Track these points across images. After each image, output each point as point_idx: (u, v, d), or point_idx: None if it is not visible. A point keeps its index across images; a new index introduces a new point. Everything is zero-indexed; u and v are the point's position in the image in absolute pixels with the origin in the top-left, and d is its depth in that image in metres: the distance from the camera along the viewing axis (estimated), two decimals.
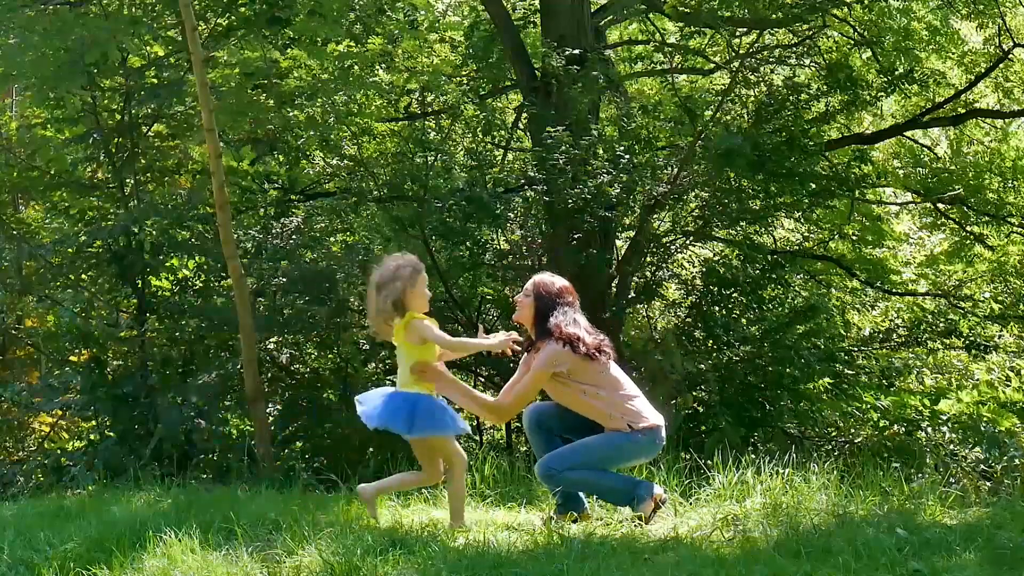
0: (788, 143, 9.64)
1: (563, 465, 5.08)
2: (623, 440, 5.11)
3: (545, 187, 9.31)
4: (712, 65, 11.71)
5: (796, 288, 11.04)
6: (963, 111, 12.33)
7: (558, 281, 5.33)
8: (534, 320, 5.26)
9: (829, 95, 10.53)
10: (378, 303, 4.91)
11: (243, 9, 9.21)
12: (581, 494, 5.27)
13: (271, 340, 9.54)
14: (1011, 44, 12.09)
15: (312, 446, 9.18)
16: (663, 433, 5.20)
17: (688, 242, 10.26)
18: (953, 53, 12.61)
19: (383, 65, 10.44)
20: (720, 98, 10.10)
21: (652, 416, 5.18)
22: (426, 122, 11.12)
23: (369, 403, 5.01)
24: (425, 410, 4.90)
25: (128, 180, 9.10)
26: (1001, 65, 12.28)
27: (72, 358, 9.79)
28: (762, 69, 10.31)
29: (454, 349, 5.15)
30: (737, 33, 10.90)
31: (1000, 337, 11.79)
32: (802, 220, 10.98)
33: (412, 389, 4.94)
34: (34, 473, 8.45)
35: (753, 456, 5.61)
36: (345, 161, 10.93)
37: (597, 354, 5.15)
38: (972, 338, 11.24)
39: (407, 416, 4.86)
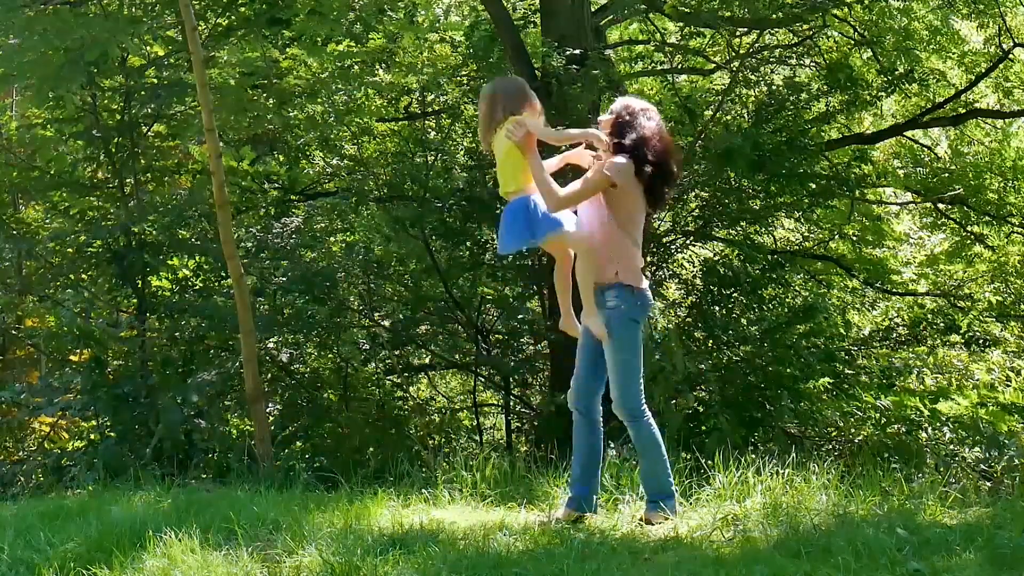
0: (788, 143, 9.64)
1: (638, 401, 4.99)
2: (622, 318, 4.99)
3: None
4: (712, 65, 11.71)
5: (796, 288, 11.05)
6: (963, 111, 12.32)
7: (642, 104, 5.29)
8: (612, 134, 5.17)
9: (829, 95, 10.53)
10: (490, 111, 5.07)
11: (243, 9, 9.22)
12: (596, 497, 5.23)
13: (271, 340, 9.55)
14: (1011, 44, 12.09)
15: (312, 446, 9.18)
16: (648, 294, 5.15)
17: (688, 242, 10.26)
18: (953, 53, 12.60)
19: (383, 64, 10.45)
20: (720, 98, 10.09)
21: (643, 280, 5.13)
22: (426, 122, 11.13)
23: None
24: (539, 211, 4.98)
25: (128, 180, 9.10)
26: (1001, 65, 12.27)
27: (72, 358, 9.79)
28: (762, 69, 10.31)
29: (559, 140, 5.16)
30: (737, 33, 10.90)
31: (1001, 335, 11.78)
32: (802, 220, 10.98)
33: (512, 191, 5.05)
34: (34, 473, 8.44)
35: (753, 456, 5.60)
36: (345, 161, 10.94)
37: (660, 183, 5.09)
38: (972, 334, 11.24)
39: (525, 224, 4.98)
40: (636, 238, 5.11)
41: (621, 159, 5.05)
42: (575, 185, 5.08)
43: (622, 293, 5.02)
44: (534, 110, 5.08)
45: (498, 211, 9.53)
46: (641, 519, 5.04)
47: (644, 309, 5.11)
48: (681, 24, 11.19)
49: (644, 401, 5.05)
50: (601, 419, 5.21)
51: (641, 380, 5.05)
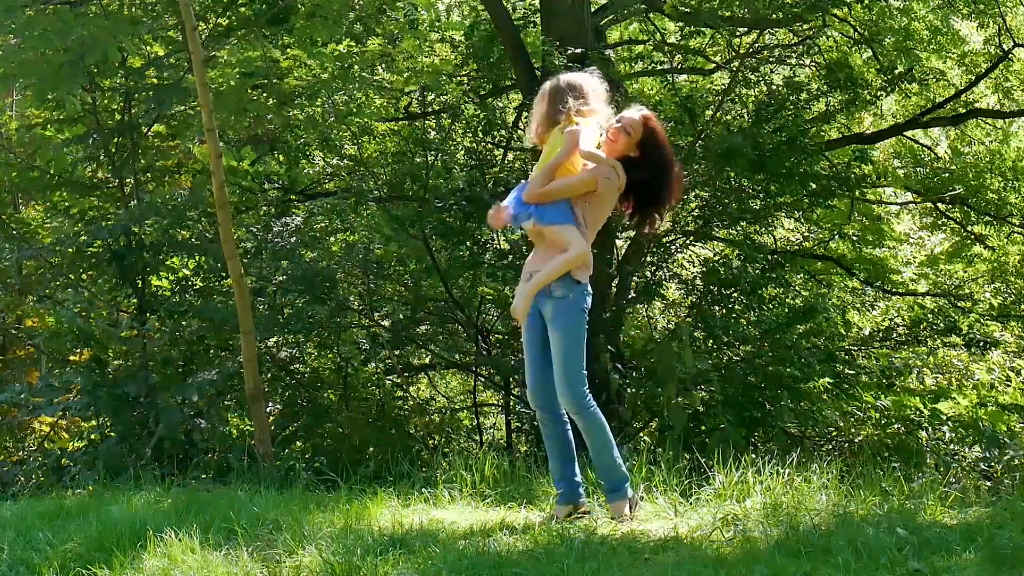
0: (788, 143, 9.65)
1: (583, 390, 5.00)
2: (572, 308, 5.00)
3: None
4: (712, 65, 11.72)
5: (796, 288, 11.05)
6: (963, 111, 12.33)
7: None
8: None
9: (829, 95, 10.54)
10: (547, 110, 5.09)
11: (243, 9, 9.22)
12: (581, 489, 5.23)
13: (271, 339, 9.55)
14: (1011, 44, 12.10)
15: (312, 446, 9.19)
16: (589, 286, 5.18)
17: (688, 242, 10.26)
18: (953, 53, 12.62)
19: (383, 65, 10.45)
20: (720, 98, 10.10)
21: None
22: (426, 122, 11.13)
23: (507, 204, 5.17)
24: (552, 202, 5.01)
25: (128, 180, 9.11)
26: (1001, 65, 12.28)
27: (72, 358, 9.79)
28: (762, 69, 10.32)
29: (587, 158, 5.07)
30: (737, 33, 10.91)
31: (1001, 335, 11.79)
32: (802, 220, 10.99)
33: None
34: (34, 473, 8.44)
35: (753, 456, 5.61)
36: (345, 161, 10.94)
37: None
38: (972, 335, 11.25)
39: (536, 207, 5.01)
40: (592, 238, 5.16)
41: (612, 173, 5.05)
42: (565, 180, 5.06)
43: (569, 283, 5.04)
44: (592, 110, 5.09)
45: None
46: (611, 515, 5.04)
47: (589, 297, 5.13)
48: (681, 24, 11.20)
49: (588, 391, 5.05)
50: (563, 411, 5.17)
51: (584, 370, 5.05)
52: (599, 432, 5.07)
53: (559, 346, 5.01)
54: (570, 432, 5.22)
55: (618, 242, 10.32)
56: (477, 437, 10.76)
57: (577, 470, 5.24)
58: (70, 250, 9.16)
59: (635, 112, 5.21)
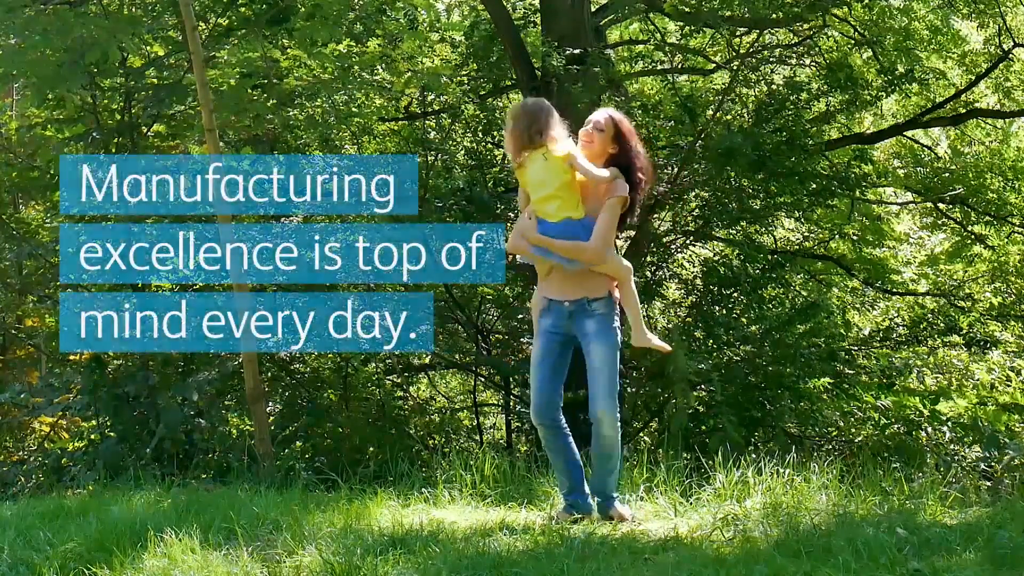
0: (788, 143, 9.65)
1: (617, 407, 5.02)
2: (611, 324, 5.06)
3: None
4: (712, 65, 11.72)
5: (796, 288, 11.05)
6: (963, 111, 12.34)
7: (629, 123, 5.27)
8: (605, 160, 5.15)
9: (829, 95, 10.54)
10: (521, 134, 5.02)
11: (243, 9, 9.22)
12: (590, 500, 5.23)
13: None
14: (1011, 44, 12.10)
15: (312, 446, 9.19)
16: None
17: (688, 242, 10.26)
18: (953, 53, 12.63)
19: (383, 65, 10.45)
20: (720, 98, 10.11)
21: None
22: (426, 122, 11.13)
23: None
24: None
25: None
26: (1001, 65, 12.28)
27: (72, 358, 9.78)
28: (762, 69, 10.32)
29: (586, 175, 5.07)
30: (737, 33, 10.92)
31: (1001, 335, 11.79)
32: (802, 220, 10.99)
33: (566, 216, 5.03)
34: (34, 473, 8.44)
35: (754, 456, 5.61)
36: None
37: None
38: (972, 335, 11.25)
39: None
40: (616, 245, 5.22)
41: (622, 179, 5.07)
42: (602, 229, 5.05)
43: (609, 302, 5.11)
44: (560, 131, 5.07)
45: (498, 211, 9.58)
46: (612, 516, 5.05)
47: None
48: (681, 24, 11.21)
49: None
50: (563, 421, 5.17)
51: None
52: (618, 447, 5.09)
53: (605, 359, 4.99)
54: (573, 443, 5.19)
55: (618, 242, 10.30)
56: (477, 437, 10.76)
57: (586, 483, 5.22)
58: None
59: (599, 113, 5.21)
